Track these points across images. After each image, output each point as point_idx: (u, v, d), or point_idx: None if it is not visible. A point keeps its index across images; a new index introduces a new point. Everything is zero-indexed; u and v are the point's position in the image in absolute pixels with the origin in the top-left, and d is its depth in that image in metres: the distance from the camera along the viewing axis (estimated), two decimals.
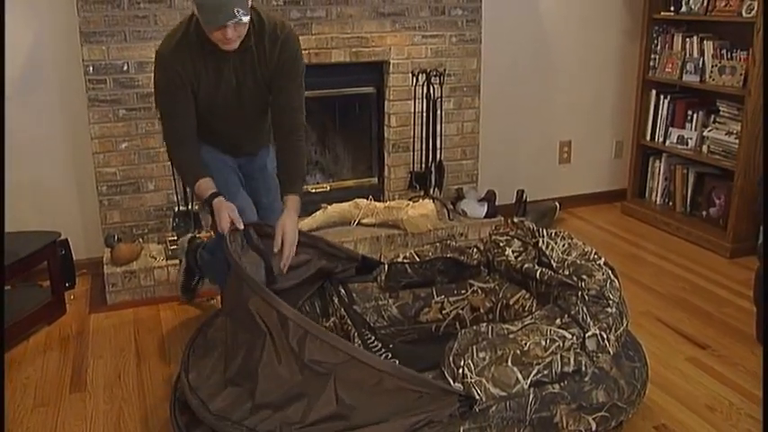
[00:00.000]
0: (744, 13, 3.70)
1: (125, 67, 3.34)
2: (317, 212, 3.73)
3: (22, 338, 2.96)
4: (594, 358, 2.09)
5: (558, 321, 2.11)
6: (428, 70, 3.80)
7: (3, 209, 2.73)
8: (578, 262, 2.32)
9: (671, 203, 4.38)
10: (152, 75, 2.49)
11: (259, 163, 2.77)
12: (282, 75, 2.47)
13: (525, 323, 2.10)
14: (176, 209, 3.50)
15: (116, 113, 3.37)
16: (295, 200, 2.48)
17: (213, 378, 2.10)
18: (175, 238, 3.43)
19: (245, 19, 2.20)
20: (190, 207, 3.48)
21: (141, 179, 3.49)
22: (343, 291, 2.62)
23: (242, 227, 2.40)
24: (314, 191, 3.93)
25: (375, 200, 3.90)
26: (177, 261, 3.34)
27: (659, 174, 4.43)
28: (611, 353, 2.14)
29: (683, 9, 4.09)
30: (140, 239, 3.52)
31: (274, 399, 1.92)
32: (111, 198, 3.46)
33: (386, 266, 2.66)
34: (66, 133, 3.46)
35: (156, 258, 3.39)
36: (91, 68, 3.29)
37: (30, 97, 3.36)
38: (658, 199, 4.47)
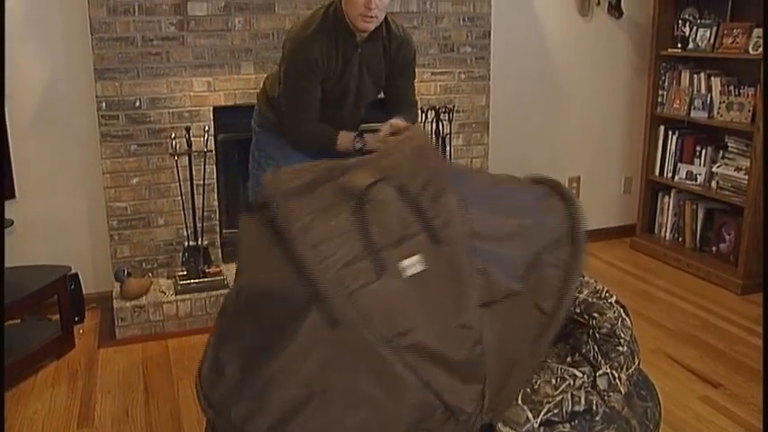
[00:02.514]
0: (750, 50, 3.73)
1: (137, 103, 3.38)
2: None
3: (30, 373, 2.96)
4: (606, 397, 2.06)
5: (568, 359, 2.09)
6: (437, 107, 3.83)
7: (2, 242, 2.75)
8: (589, 300, 2.30)
9: (681, 239, 4.37)
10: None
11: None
12: (403, 71, 2.65)
13: None
14: (186, 244, 3.51)
15: (128, 149, 3.41)
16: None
17: None
18: (185, 273, 3.44)
19: None
20: (199, 242, 3.49)
21: (151, 214, 3.51)
22: None
23: None
24: None
25: None
26: (186, 296, 3.34)
27: (669, 209, 4.43)
28: (623, 392, 2.11)
29: (690, 46, 4.12)
30: (150, 274, 3.53)
31: None
32: (121, 232, 3.48)
33: None
34: (78, 168, 3.50)
35: (165, 293, 3.40)
36: (104, 104, 3.33)
37: (44, 132, 3.41)
38: (668, 234, 4.45)
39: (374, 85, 2.67)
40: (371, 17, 2.38)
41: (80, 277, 3.46)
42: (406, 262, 1.63)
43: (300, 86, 2.53)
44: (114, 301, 3.34)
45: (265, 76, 2.97)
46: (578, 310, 2.30)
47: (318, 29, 2.46)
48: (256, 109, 2.86)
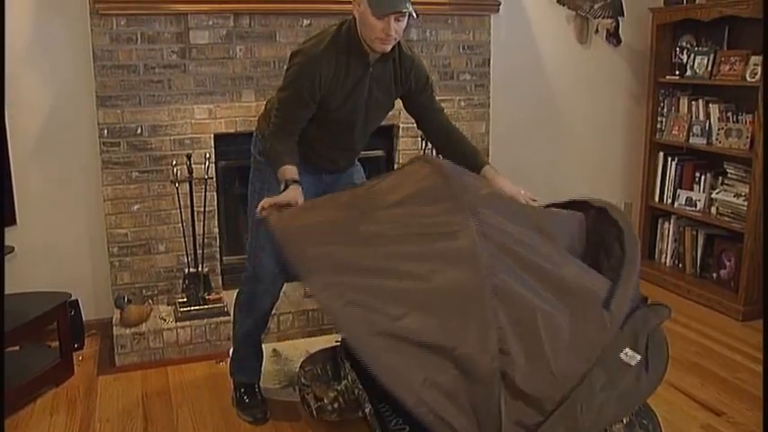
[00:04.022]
0: (748, 78, 3.76)
1: (139, 131, 3.40)
2: None
3: (28, 400, 2.94)
4: (608, 428, 2.05)
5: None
6: None
7: (3, 269, 2.75)
8: None
9: (681, 265, 4.37)
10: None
11: (346, 179, 2.83)
12: (420, 89, 2.66)
13: None
14: (186, 270, 3.51)
15: (129, 176, 3.42)
16: (492, 167, 2.64)
17: None
18: (185, 299, 3.44)
19: (413, 13, 2.35)
20: (200, 269, 3.49)
21: (152, 241, 3.51)
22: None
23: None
24: None
25: None
26: (186, 323, 3.34)
27: (669, 235, 4.43)
28: (625, 422, 2.11)
29: (688, 73, 4.15)
30: (150, 301, 3.53)
31: None
32: (121, 259, 3.48)
33: None
34: (79, 194, 3.51)
35: (165, 320, 3.39)
36: (106, 131, 3.35)
37: (45, 159, 3.42)
38: (668, 261, 4.45)
39: (383, 107, 2.68)
40: (390, 36, 2.40)
41: (80, 304, 3.45)
42: None
43: (295, 96, 2.50)
44: (114, 328, 3.33)
45: (266, 99, 2.93)
46: None
47: (330, 46, 2.46)
48: (257, 135, 2.80)
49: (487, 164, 2.65)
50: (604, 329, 1.96)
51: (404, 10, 2.31)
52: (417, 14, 2.41)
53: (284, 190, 2.44)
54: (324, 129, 2.60)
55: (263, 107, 2.83)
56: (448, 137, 2.73)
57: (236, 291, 2.87)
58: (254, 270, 2.74)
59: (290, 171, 2.48)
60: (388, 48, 2.43)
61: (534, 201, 2.50)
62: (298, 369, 2.67)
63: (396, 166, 3.91)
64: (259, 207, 2.40)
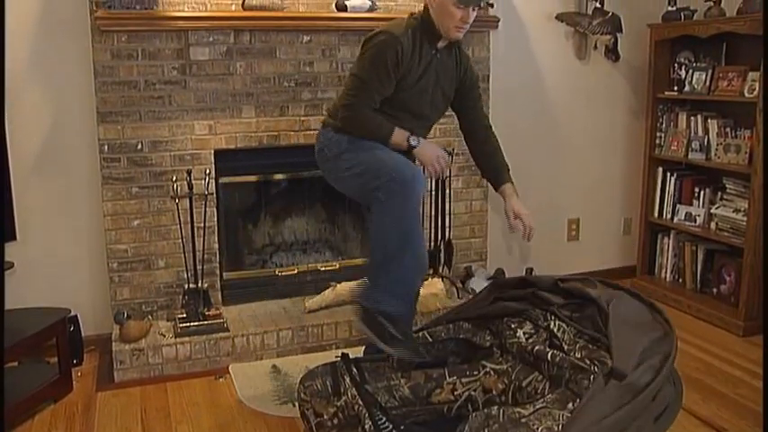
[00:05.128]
0: (746, 94, 3.77)
1: (139, 146, 3.41)
2: (326, 291, 3.72)
3: (27, 417, 2.93)
4: None
5: (569, 405, 2.08)
6: None
7: (3, 285, 2.75)
8: (590, 346, 2.30)
9: (681, 280, 4.37)
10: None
11: None
12: (471, 84, 2.89)
13: (537, 407, 2.08)
14: (186, 286, 3.50)
15: (129, 191, 3.43)
16: (512, 186, 2.89)
17: None
18: (185, 315, 3.43)
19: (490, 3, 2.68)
20: (199, 285, 3.49)
21: (152, 256, 3.51)
22: (355, 370, 2.59)
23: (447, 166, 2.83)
24: (323, 269, 3.93)
25: None
26: (186, 339, 3.33)
27: (668, 251, 4.43)
28: None
29: (687, 89, 4.17)
30: (149, 316, 3.52)
31: None
32: (121, 274, 3.48)
33: None
34: (79, 210, 3.51)
35: (164, 336, 3.38)
36: (106, 147, 3.36)
37: (46, 174, 3.43)
38: (668, 276, 4.45)
39: (447, 94, 2.84)
40: (465, 25, 2.63)
41: (79, 319, 3.44)
42: None
43: (378, 73, 2.60)
44: (113, 343, 3.32)
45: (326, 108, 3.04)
46: (579, 355, 2.30)
47: (407, 27, 2.64)
48: (328, 133, 2.78)
49: (510, 182, 2.87)
50: None
51: (482, 2, 2.65)
52: (492, 4, 2.70)
53: (414, 145, 2.70)
54: (390, 117, 2.70)
55: (327, 109, 2.94)
56: (484, 144, 2.93)
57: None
58: (398, 174, 2.56)
59: (401, 132, 2.69)
60: (461, 35, 2.68)
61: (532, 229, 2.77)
62: (297, 385, 2.66)
63: None
64: (437, 166, 2.74)
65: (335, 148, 2.74)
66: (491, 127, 2.97)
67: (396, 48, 2.56)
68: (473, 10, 2.61)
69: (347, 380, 2.54)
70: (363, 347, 2.99)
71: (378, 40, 2.61)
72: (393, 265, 2.59)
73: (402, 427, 2.40)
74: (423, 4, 2.70)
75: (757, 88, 3.67)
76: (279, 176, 3.85)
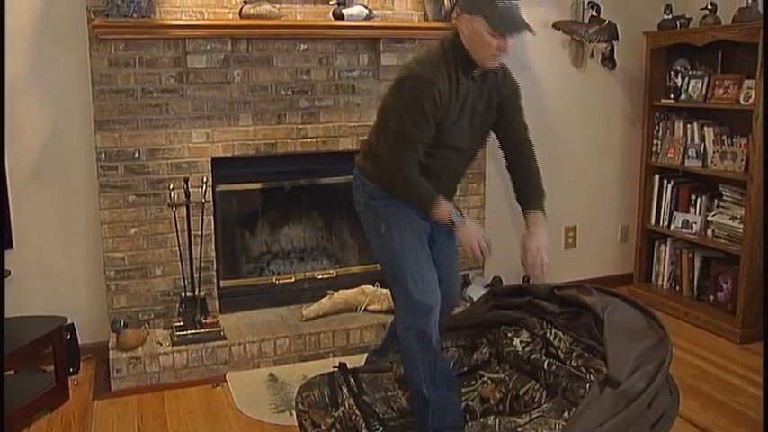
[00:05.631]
0: (742, 101, 3.78)
1: (136, 154, 3.41)
2: (324, 299, 3.72)
3: (23, 426, 2.92)
4: None
5: (565, 414, 2.08)
6: None
7: (2, 293, 2.74)
8: (586, 354, 2.30)
9: (678, 288, 4.37)
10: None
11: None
12: (512, 102, 2.62)
13: (533, 416, 2.08)
14: (183, 294, 3.50)
15: (126, 199, 3.43)
16: (542, 216, 2.63)
17: None
18: (182, 323, 3.43)
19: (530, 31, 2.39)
20: (196, 293, 3.48)
21: (149, 264, 3.51)
22: (353, 380, 2.59)
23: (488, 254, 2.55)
24: (320, 277, 3.93)
25: (381, 286, 3.88)
26: (183, 347, 3.32)
27: (665, 258, 4.44)
28: None
29: (683, 96, 4.18)
30: (146, 325, 3.52)
31: None
32: (118, 283, 3.48)
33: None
34: (76, 218, 3.51)
35: (161, 344, 3.38)
36: (103, 155, 3.36)
37: (43, 182, 3.42)
38: (665, 283, 4.45)
39: (488, 120, 2.59)
40: (502, 54, 2.43)
41: (76, 328, 3.43)
42: None
43: (417, 122, 2.36)
44: (110, 351, 3.32)
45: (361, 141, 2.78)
46: (576, 363, 2.30)
47: (440, 63, 2.40)
48: (363, 179, 2.61)
49: (540, 210, 2.65)
50: None
51: (524, 32, 2.39)
52: (534, 32, 2.44)
53: (456, 222, 2.46)
54: (432, 157, 2.48)
55: (360, 149, 2.71)
56: (519, 158, 2.70)
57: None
58: (415, 304, 2.46)
59: (446, 206, 2.46)
60: (498, 63, 2.46)
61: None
62: (295, 394, 2.66)
63: None
64: (478, 249, 2.48)
65: (364, 195, 2.60)
66: (529, 140, 2.68)
67: (432, 92, 2.33)
68: (509, 40, 2.39)
69: (345, 390, 2.54)
70: (365, 356, 2.98)
71: (410, 85, 2.37)
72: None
73: None
74: (452, 30, 2.49)
75: (753, 96, 3.69)
76: (276, 184, 3.85)
